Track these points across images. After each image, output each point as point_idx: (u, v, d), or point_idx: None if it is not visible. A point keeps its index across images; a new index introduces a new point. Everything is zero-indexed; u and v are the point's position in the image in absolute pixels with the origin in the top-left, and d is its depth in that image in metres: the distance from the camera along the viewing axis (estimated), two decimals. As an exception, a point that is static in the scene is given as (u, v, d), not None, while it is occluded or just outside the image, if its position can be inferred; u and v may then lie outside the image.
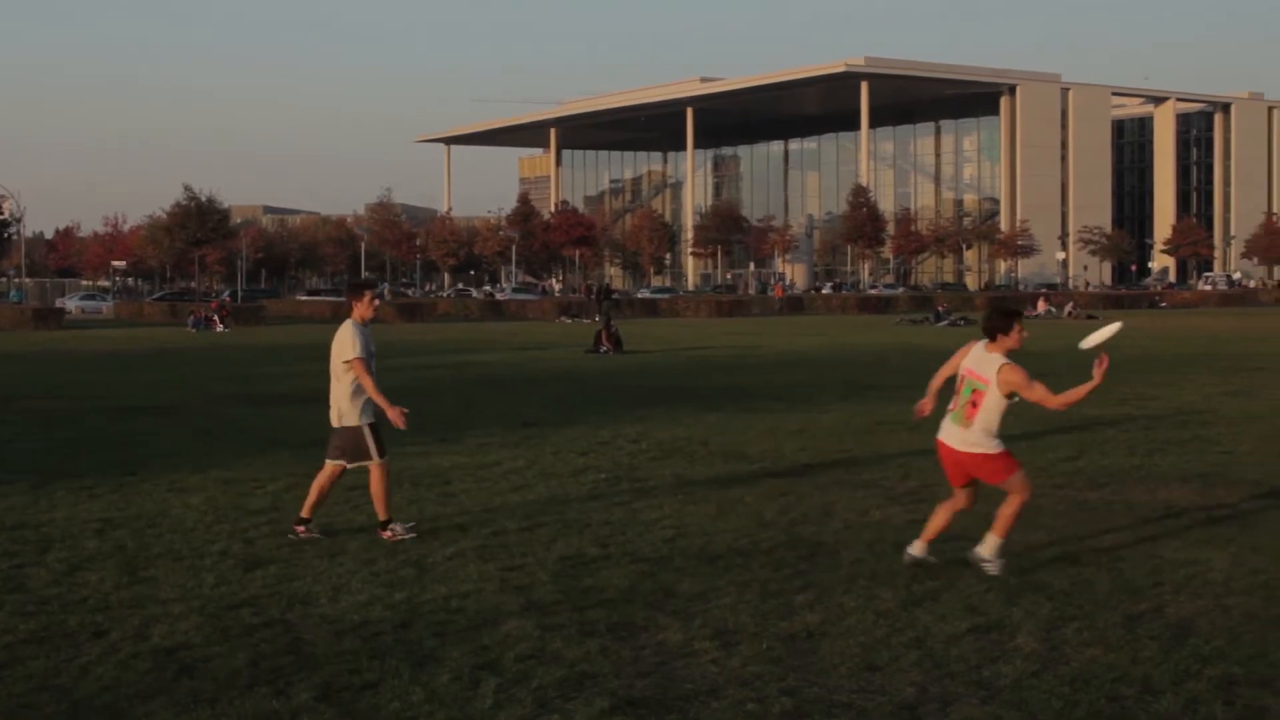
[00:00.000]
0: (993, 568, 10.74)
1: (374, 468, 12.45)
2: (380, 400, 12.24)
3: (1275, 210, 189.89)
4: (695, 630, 9.16)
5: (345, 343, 12.37)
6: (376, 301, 12.89)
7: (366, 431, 12.42)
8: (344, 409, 12.46)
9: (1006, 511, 10.80)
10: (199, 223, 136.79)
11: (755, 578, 10.68)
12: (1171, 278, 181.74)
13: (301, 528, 12.48)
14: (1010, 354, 10.84)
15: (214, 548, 12.00)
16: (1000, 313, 11.00)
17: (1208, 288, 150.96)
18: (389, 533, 12.35)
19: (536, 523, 13.12)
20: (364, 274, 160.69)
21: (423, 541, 12.11)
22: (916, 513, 13.45)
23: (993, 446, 10.75)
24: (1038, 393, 10.58)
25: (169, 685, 8.09)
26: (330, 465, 12.56)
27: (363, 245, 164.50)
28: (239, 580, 10.79)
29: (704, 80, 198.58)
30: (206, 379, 34.25)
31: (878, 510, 13.70)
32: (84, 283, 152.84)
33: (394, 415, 12.20)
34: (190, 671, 8.35)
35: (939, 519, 11.13)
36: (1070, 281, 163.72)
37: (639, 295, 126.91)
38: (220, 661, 8.55)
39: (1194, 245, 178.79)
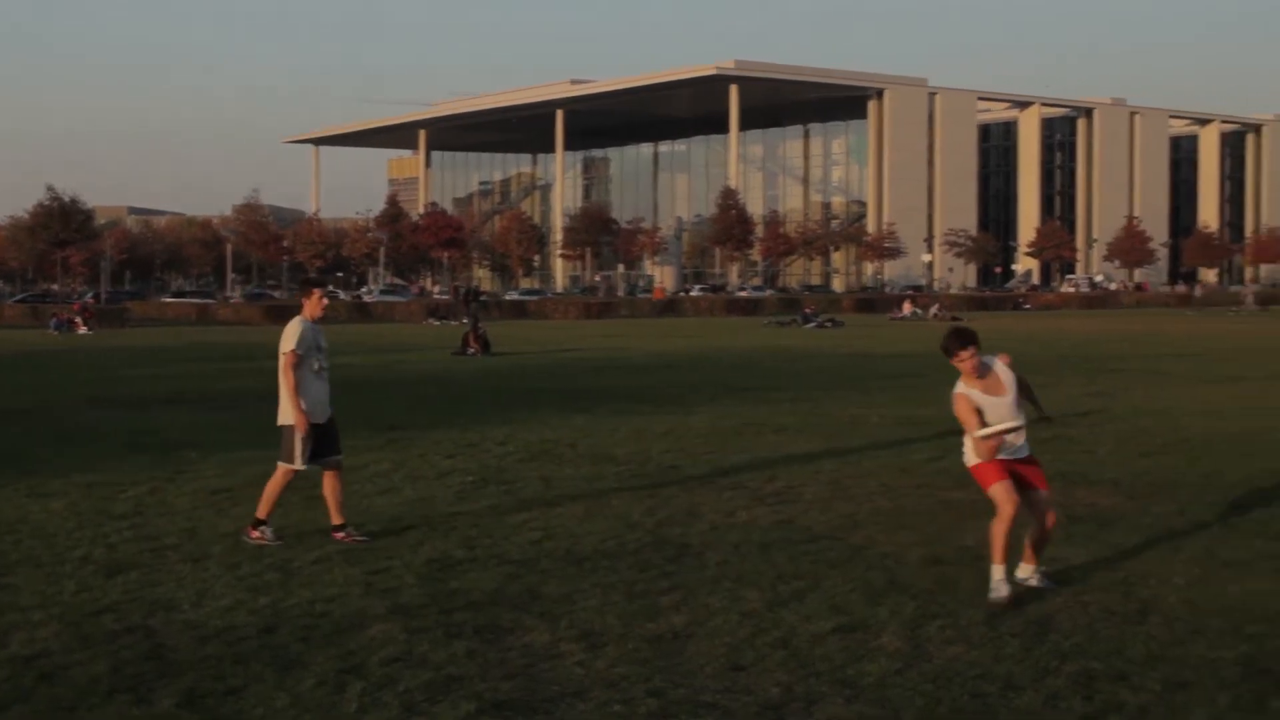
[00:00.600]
0: (993, 594, 9.99)
1: (280, 467, 12.46)
2: (292, 403, 12.23)
3: (1136, 214, 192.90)
4: (561, 632, 9.16)
5: (283, 337, 12.36)
6: (325, 300, 12.79)
7: (292, 433, 12.36)
8: (281, 407, 12.47)
9: (991, 532, 10.26)
10: (62, 223, 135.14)
11: (622, 579, 10.70)
12: (1035, 280, 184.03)
13: (340, 534, 12.43)
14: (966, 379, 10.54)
15: (75, 554, 11.82)
16: (946, 337, 10.72)
17: (1070, 290, 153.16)
18: (257, 533, 12.25)
19: (403, 526, 13.06)
20: (232, 272, 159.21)
21: (288, 546, 12.02)
22: (783, 514, 13.55)
23: (970, 459, 10.61)
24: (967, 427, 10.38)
25: (28, 693, 7.97)
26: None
27: (229, 247, 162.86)
28: (100, 586, 10.64)
29: (574, 82, 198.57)
30: (68, 382, 33.75)
31: (744, 511, 13.75)
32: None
33: (300, 420, 12.22)
34: (50, 679, 8.22)
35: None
36: (936, 283, 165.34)
37: (507, 297, 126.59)
38: (80, 669, 8.42)
39: (1057, 248, 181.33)
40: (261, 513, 12.39)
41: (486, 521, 13.29)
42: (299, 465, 12.36)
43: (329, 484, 12.56)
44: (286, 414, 12.35)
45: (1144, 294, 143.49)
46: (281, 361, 12.26)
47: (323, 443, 12.54)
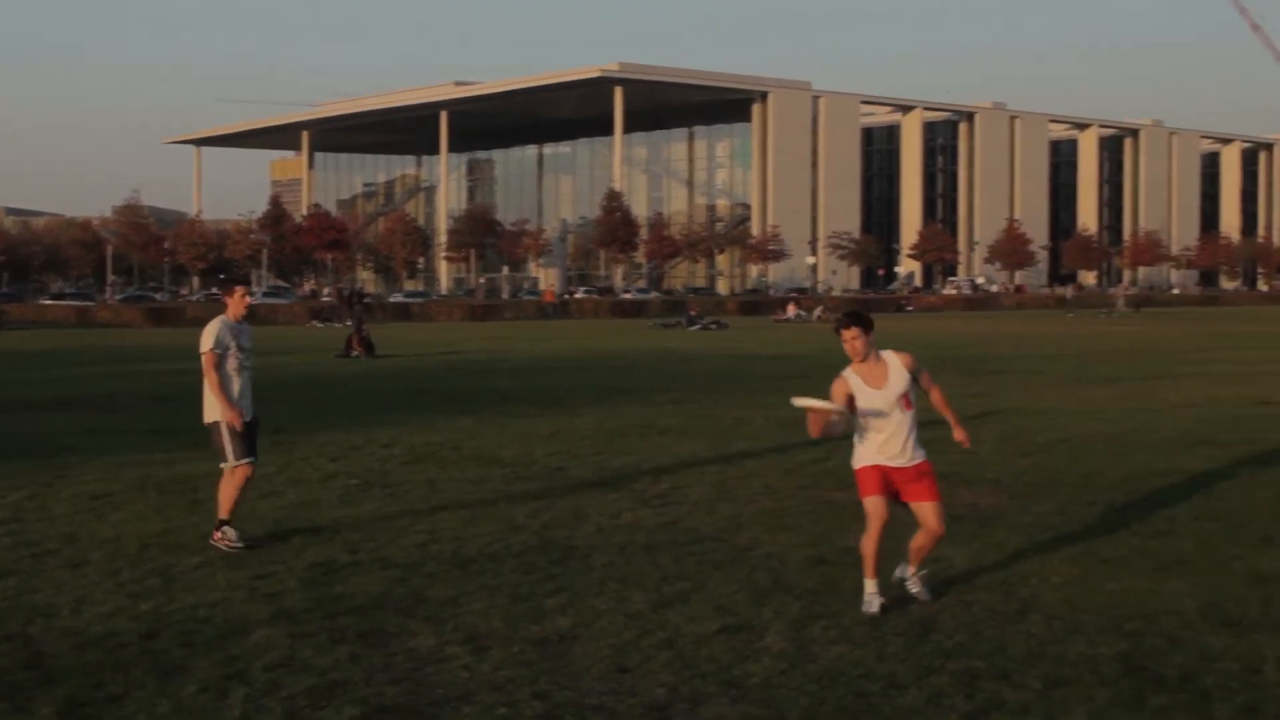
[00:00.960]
0: (865, 608, 9.83)
1: (225, 470, 12.40)
2: (221, 400, 12.21)
3: (1017, 217, 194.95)
4: (447, 635, 9.14)
5: (202, 337, 12.34)
6: (248, 299, 12.76)
7: (221, 429, 12.32)
8: (206, 404, 12.43)
9: (860, 547, 10.13)
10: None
11: (507, 582, 10.69)
12: (918, 282, 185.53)
13: (217, 531, 12.30)
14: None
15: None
16: (840, 314, 10.59)
17: (953, 292, 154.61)
18: (219, 534, 12.20)
19: (286, 530, 12.97)
20: (112, 274, 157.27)
21: (169, 551, 11.90)
22: (667, 515, 13.59)
23: (854, 460, 10.47)
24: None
25: (-98, 702, 7.85)
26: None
27: (109, 248, 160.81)
28: (-24, 593, 10.50)
29: (459, 84, 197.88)
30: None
31: (629, 513, 13.78)
32: None
33: (230, 415, 12.21)
34: (-75, 688, 8.10)
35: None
36: (820, 286, 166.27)
37: (391, 299, 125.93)
38: (-44, 677, 8.30)
39: (939, 250, 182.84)
40: (220, 513, 12.33)
41: (371, 525, 13.23)
42: (232, 462, 12.30)
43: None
44: (212, 410, 12.34)
45: (1023, 295, 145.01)
46: (202, 362, 12.27)
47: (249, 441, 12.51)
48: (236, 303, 12.58)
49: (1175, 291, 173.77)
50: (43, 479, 16.31)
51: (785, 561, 11.40)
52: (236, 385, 12.40)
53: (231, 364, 12.36)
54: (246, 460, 12.41)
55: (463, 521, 13.40)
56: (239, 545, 12.02)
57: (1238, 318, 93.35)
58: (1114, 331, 65.05)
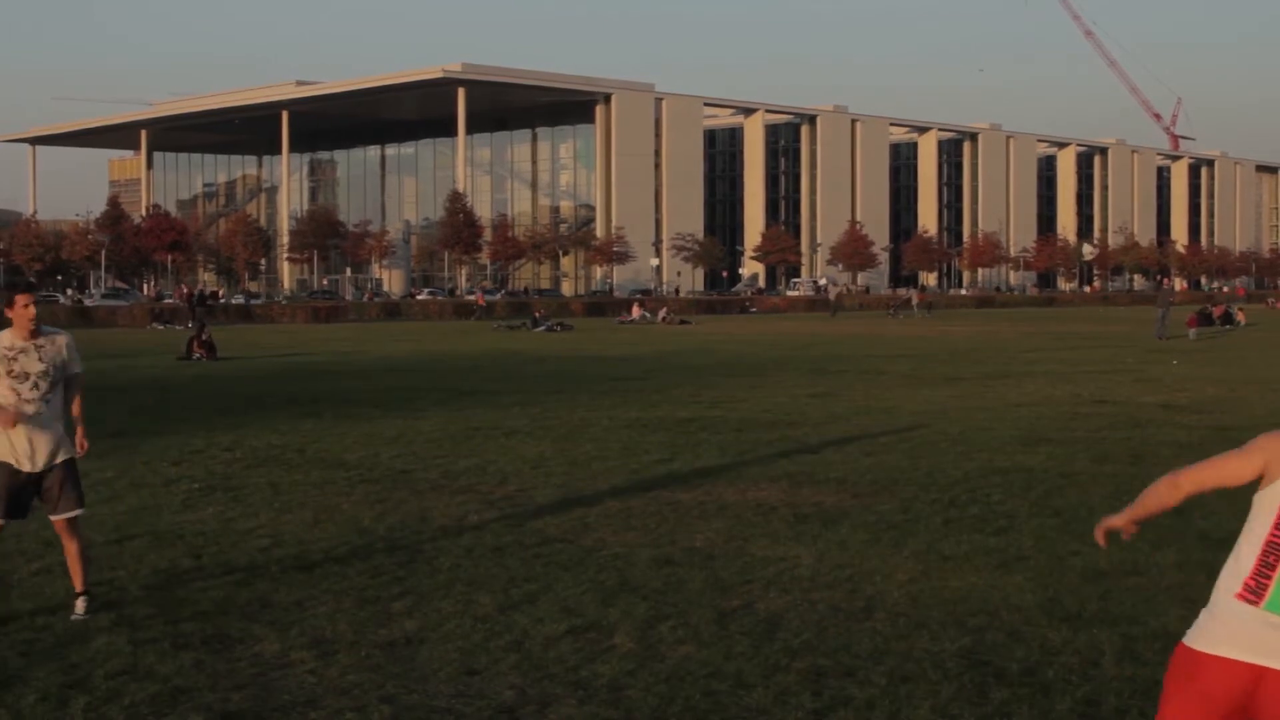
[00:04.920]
0: None
1: None
2: None
3: (859, 218, 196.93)
4: (292, 640, 9.06)
5: None
6: (32, 309, 9.77)
7: None
8: None
9: None
10: None
11: (353, 585, 10.62)
12: (761, 284, 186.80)
13: None
14: None
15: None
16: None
17: (795, 293, 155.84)
18: None
19: (127, 535, 12.78)
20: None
21: (5, 557, 11.64)
22: (514, 517, 13.57)
23: None
24: None
25: None
26: None
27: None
28: None
29: (300, 84, 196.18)
30: None
31: (475, 515, 13.74)
32: None
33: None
34: None
35: None
36: (664, 287, 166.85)
37: (234, 301, 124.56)
38: None
39: (782, 252, 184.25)
40: None
41: (214, 529, 13.08)
42: None
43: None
44: None
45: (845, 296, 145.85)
46: None
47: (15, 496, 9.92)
48: (18, 316, 9.82)
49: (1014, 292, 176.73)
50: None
51: (631, 562, 11.42)
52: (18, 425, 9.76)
53: (8, 398, 9.76)
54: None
55: (307, 525, 13.29)
56: None
57: (1065, 318, 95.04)
58: (955, 332, 65.97)
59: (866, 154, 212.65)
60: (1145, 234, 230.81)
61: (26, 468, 9.79)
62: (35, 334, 9.86)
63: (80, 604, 9.90)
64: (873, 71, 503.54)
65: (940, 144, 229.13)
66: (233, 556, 11.77)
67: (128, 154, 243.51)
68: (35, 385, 9.78)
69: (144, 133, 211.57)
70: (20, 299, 9.75)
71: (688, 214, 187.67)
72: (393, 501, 14.70)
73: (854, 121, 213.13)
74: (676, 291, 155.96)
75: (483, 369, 38.99)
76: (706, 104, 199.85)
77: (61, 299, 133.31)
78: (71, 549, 10.01)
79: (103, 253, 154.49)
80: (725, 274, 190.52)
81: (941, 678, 8.17)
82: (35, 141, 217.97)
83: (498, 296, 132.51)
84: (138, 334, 74.71)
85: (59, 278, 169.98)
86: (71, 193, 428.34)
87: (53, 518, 10.05)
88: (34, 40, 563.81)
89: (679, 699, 7.82)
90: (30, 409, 9.74)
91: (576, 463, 17.72)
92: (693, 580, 10.71)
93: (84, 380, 10.38)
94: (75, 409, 10.28)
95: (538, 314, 78.37)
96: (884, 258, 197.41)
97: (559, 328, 73.08)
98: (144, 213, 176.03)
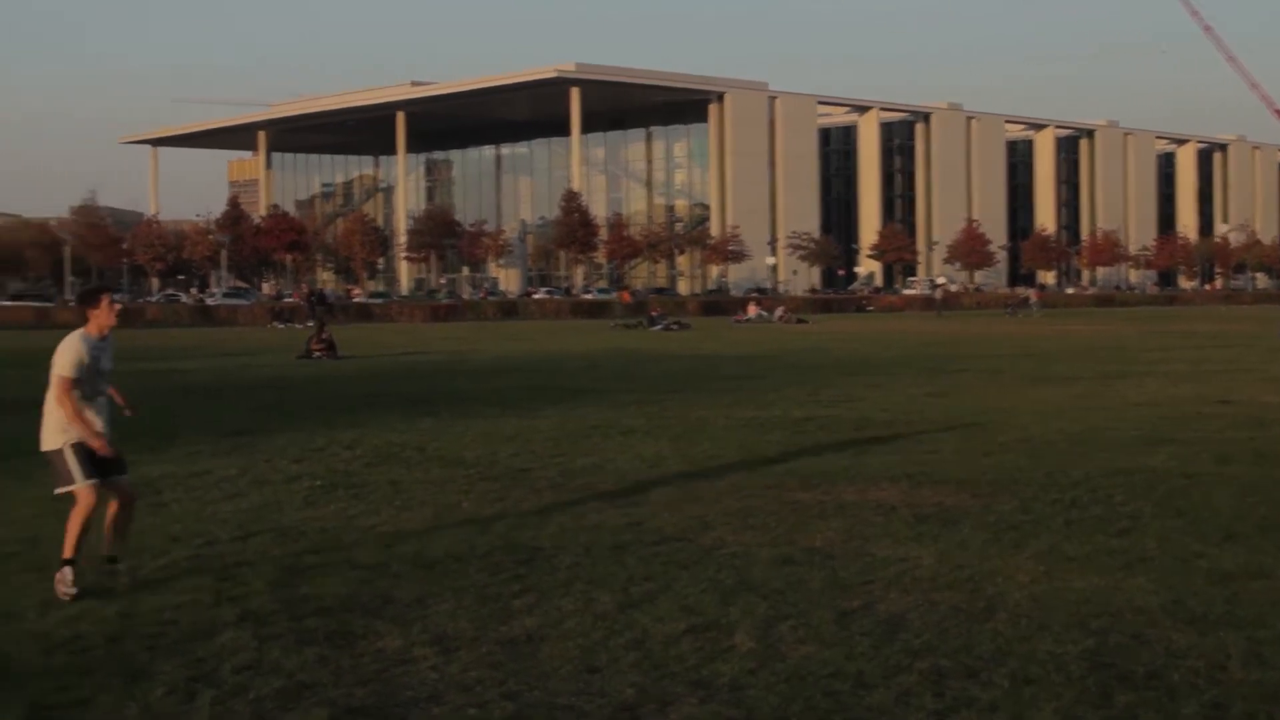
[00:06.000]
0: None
1: (76, 492, 10.68)
2: (79, 426, 10.52)
3: (975, 217, 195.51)
4: (414, 636, 9.11)
5: (57, 356, 10.63)
6: (117, 305, 11.00)
7: (64, 454, 10.65)
8: (44, 431, 10.80)
9: None
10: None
11: (473, 582, 10.67)
12: (878, 282, 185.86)
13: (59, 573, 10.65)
14: None
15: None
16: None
17: (911, 292, 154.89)
18: (59, 575, 10.54)
19: (251, 531, 12.91)
20: (71, 275, 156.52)
21: (133, 553, 11.78)
22: (633, 515, 13.57)
23: None
24: None
25: None
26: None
27: (67, 249, 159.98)
28: (-60, 597, 10.43)
29: (415, 84, 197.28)
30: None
31: (594, 514, 13.75)
32: None
33: (98, 444, 10.59)
34: (-111, 692, 8.05)
35: None
36: (780, 286, 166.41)
37: (354, 300, 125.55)
38: (-79, 681, 8.25)
39: (898, 251, 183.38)
40: (66, 551, 10.54)
41: (335, 526, 13.20)
42: (78, 482, 10.60)
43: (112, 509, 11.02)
44: (54, 438, 10.69)
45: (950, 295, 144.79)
46: (55, 386, 10.55)
47: (106, 462, 10.77)
48: (104, 314, 10.84)
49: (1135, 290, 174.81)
50: (6, 481, 16.23)
51: (751, 561, 11.39)
52: (89, 413, 10.73)
53: (83, 389, 10.66)
54: (91, 481, 10.65)
55: (427, 522, 13.37)
56: (72, 591, 10.35)
57: (1186, 317, 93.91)
58: (1074, 331, 65.35)
59: (982, 152, 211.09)
60: (1268, 231, 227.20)
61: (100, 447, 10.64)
62: (108, 335, 10.93)
63: (68, 575, 10.56)
64: (988, 68, 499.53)
65: (1057, 141, 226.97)
66: (355, 553, 11.86)
67: (247, 155, 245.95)
68: (106, 380, 10.94)
69: (263, 134, 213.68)
70: (105, 297, 10.89)
71: (803, 212, 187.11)
72: (512, 500, 14.76)
73: (969, 119, 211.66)
74: (782, 289, 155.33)
75: (599, 368, 39.08)
76: (820, 102, 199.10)
77: (184, 298, 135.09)
78: (124, 516, 11.12)
79: (223, 252, 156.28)
80: (841, 272, 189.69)
81: (1064, 680, 8.08)
82: (156, 143, 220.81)
83: (612, 295, 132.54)
84: (258, 333, 75.54)
85: (180, 277, 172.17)
86: (192, 193, 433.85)
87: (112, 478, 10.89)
88: (155, 43, 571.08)
89: (800, 699, 7.79)
90: (101, 399, 10.90)
91: (694, 461, 17.71)
92: (813, 580, 10.67)
93: None
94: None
95: (654, 313, 78.39)
96: (1001, 256, 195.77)
97: (675, 326, 73.10)
98: (263, 213, 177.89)
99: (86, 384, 10.68)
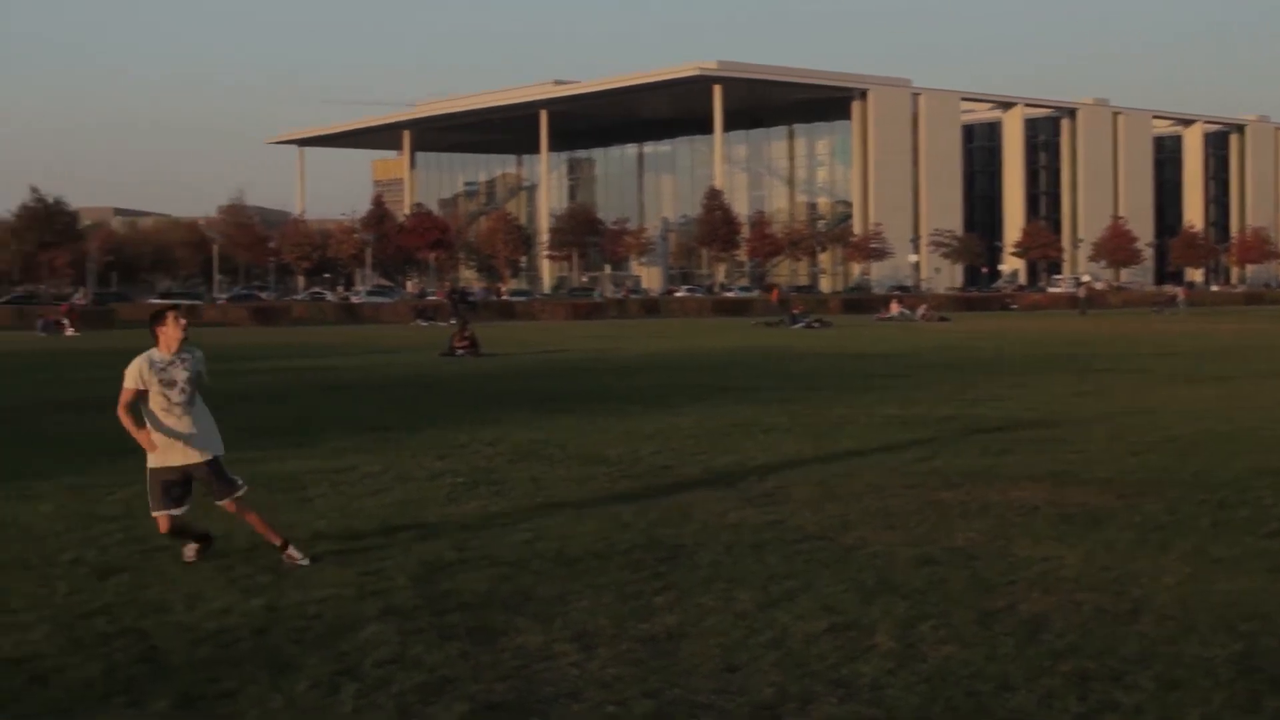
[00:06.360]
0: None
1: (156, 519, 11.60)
2: (132, 432, 11.39)
3: (1121, 214, 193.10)
4: (555, 633, 9.14)
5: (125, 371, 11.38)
6: (183, 321, 11.52)
7: (148, 478, 11.60)
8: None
9: None
10: (46, 225, 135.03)
11: (613, 580, 10.69)
12: (1022, 280, 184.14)
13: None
14: None
15: (65, 556, 11.78)
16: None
17: (1057, 290, 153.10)
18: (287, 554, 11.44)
19: (394, 527, 13.03)
20: (219, 274, 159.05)
21: (276, 549, 11.95)
22: (773, 514, 13.54)
23: None
24: None
25: (19, 695, 7.95)
26: None
27: (215, 248, 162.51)
28: (92, 589, 10.60)
29: (557, 83, 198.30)
30: (52, 384, 33.72)
31: (735, 512, 13.73)
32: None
33: (144, 440, 11.41)
34: (43, 682, 8.20)
35: None
36: (923, 284, 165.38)
37: (495, 298, 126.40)
38: (74, 671, 8.40)
39: (1043, 248, 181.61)
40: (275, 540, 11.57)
41: (477, 523, 13.27)
42: (154, 511, 11.51)
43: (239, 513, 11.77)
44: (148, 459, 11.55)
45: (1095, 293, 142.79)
46: (121, 398, 11.41)
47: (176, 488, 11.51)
48: (170, 332, 11.40)
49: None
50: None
51: (892, 561, 11.32)
52: (169, 423, 11.36)
53: (158, 403, 11.30)
54: (162, 512, 11.45)
55: (568, 519, 13.42)
56: (304, 561, 11.37)
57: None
58: (1223, 330, 64.37)
59: (1129, 148, 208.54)
60: None
61: (178, 461, 11.40)
62: (180, 350, 11.41)
63: (294, 553, 11.46)
64: (1134, 63, 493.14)
65: (1206, 136, 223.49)
66: (496, 550, 11.91)
67: (391, 154, 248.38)
68: (182, 390, 11.35)
69: (407, 133, 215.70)
70: (170, 315, 11.47)
71: (946, 210, 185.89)
72: (653, 497, 14.75)
73: (1115, 114, 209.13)
74: (924, 287, 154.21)
75: (741, 366, 39.04)
76: (964, 99, 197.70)
77: (329, 296, 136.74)
78: (251, 519, 11.65)
79: (368, 251, 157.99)
80: (985, 270, 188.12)
81: (1212, 684, 7.94)
82: (303, 143, 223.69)
83: (754, 293, 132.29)
84: (401, 330, 76.32)
85: (326, 275, 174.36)
86: (337, 192, 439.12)
87: (219, 503, 11.65)
88: (301, 45, 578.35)
89: (941, 699, 7.72)
90: (178, 410, 11.33)
91: (835, 460, 17.63)
92: (954, 580, 10.59)
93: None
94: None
95: (795, 310, 78.18)
96: (1148, 254, 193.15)
97: (817, 325, 72.94)
98: (407, 211, 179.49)
99: (162, 396, 11.33)
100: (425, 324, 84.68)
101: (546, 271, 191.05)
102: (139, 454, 11.69)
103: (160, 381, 11.29)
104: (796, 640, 8.93)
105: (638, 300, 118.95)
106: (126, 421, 11.32)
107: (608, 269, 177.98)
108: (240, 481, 11.71)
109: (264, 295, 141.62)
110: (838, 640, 8.93)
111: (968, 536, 12.31)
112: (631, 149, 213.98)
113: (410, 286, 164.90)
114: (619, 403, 26.31)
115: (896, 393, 28.04)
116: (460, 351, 44.47)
